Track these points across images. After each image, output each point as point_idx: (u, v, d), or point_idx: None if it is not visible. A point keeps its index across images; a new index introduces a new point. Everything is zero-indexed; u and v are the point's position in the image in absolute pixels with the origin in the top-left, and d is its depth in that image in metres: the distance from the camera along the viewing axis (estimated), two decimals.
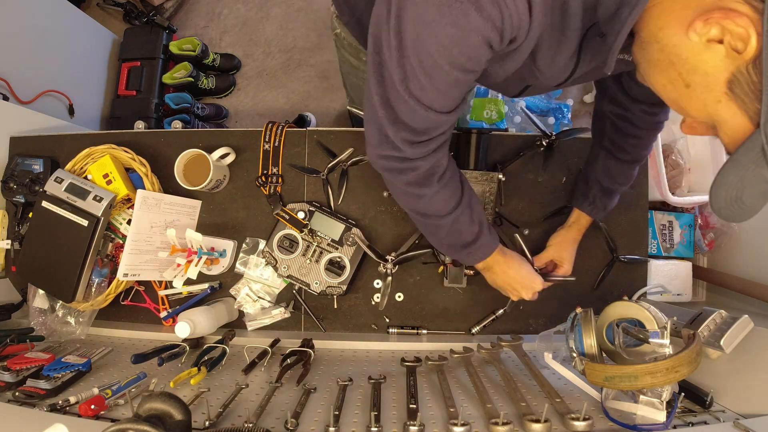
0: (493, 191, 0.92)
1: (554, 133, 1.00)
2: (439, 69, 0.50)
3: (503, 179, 0.92)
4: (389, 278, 0.94)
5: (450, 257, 0.94)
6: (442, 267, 1.02)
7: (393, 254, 0.95)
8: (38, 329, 1.01)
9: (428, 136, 0.61)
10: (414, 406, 0.71)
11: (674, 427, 0.68)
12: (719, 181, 0.44)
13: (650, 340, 0.69)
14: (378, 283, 1.04)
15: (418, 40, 0.49)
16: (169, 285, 1.05)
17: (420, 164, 0.65)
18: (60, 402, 0.74)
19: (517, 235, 0.90)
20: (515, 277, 0.85)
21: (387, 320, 1.04)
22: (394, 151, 0.63)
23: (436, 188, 0.69)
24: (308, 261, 1.00)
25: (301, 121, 1.88)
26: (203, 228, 1.07)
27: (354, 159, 1.03)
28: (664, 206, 1.21)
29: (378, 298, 1.04)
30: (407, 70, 0.52)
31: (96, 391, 0.75)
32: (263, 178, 1.05)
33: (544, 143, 0.99)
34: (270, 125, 1.06)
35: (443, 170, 0.68)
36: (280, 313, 1.03)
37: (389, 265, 0.93)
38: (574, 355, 0.77)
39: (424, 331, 1.03)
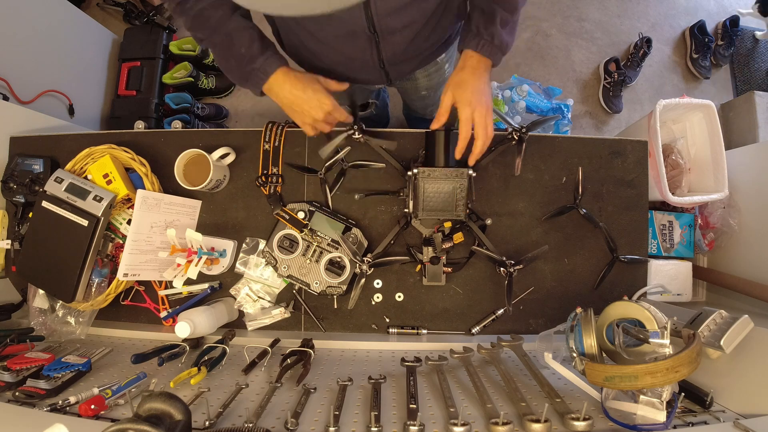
0: (464, 187, 0.92)
1: (523, 126, 0.99)
2: None
3: (473, 174, 0.92)
4: (363, 280, 0.95)
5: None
6: (419, 266, 1.02)
7: (369, 256, 0.95)
8: (38, 329, 1.01)
9: None
10: (414, 406, 0.70)
11: (674, 427, 0.68)
12: None
13: (650, 340, 0.69)
14: (378, 283, 1.04)
15: None
16: (169, 285, 1.05)
17: None
18: (60, 402, 0.74)
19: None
20: (301, 95, 0.80)
21: (387, 320, 1.04)
22: None
23: None
24: (308, 261, 1.00)
25: None
26: (203, 228, 1.07)
27: (354, 162, 1.02)
28: (664, 206, 1.21)
29: (379, 297, 1.04)
30: None
31: (96, 391, 0.75)
32: (263, 178, 1.05)
33: (515, 137, 0.99)
34: (270, 125, 1.06)
35: None
36: (280, 313, 1.03)
37: (365, 267, 0.93)
38: (574, 355, 0.77)
39: (424, 331, 1.03)
